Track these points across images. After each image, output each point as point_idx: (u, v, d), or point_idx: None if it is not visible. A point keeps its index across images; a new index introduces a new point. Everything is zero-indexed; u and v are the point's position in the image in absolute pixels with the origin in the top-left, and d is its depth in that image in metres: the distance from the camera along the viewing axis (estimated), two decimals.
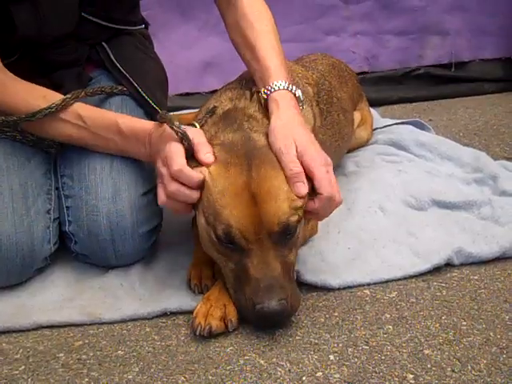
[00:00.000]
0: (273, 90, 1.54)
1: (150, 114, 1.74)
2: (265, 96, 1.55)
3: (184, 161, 1.37)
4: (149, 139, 1.51)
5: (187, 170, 1.35)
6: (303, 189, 1.37)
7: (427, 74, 3.30)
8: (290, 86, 1.56)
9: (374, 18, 3.19)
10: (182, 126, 1.41)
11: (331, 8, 3.14)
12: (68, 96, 1.57)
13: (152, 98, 1.76)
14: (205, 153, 1.38)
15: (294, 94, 1.56)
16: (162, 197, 1.41)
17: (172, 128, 1.40)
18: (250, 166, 1.35)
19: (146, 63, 1.89)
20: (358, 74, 3.03)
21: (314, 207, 1.41)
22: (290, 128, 1.45)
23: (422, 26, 3.22)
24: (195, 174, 1.36)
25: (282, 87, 1.54)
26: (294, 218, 1.34)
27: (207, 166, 1.37)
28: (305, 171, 1.39)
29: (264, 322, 1.32)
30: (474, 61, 3.29)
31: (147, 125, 1.54)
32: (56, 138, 1.63)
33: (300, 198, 1.36)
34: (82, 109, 1.58)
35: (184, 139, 1.39)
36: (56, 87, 1.65)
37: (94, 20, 1.78)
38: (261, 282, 1.29)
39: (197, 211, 1.42)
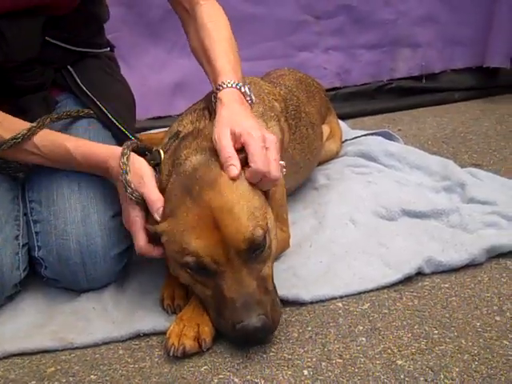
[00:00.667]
0: (220, 89, 1.56)
1: (117, 137, 1.75)
2: (213, 99, 1.58)
3: (143, 239, 1.45)
4: (107, 170, 1.52)
5: (146, 249, 1.45)
6: (235, 170, 1.36)
7: (399, 87, 3.33)
8: (235, 83, 1.57)
9: (346, 32, 3.20)
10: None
11: (302, 24, 3.14)
12: (33, 125, 1.56)
13: (119, 121, 1.76)
14: (155, 210, 1.41)
15: (240, 90, 1.57)
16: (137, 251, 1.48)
17: (128, 194, 1.44)
18: (193, 196, 1.34)
19: (113, 86, 1.89)
20: (330, 89, 3.13)
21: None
22: (227, 121, 1.45)
23: (393, 39, 3.24)
24: (153, 251, 1.46)
25: (228, 85, 1.56)
26: (259, 232, 1.32)
27: (162, 221, 1.39)
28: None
29: (247, 340, 1.32)
30: (445, 71, 3.32)
31: (102, 155, 1.53)
32: (18, 161, 1.63)
33: (233, 179, 1.35)
34: (37, 137, 1.56)
35: (140, 203, 1.44)
36: (22, 112, 1.65)
37: (58, 44, 1.78)
38: (236, 301, 1.29)
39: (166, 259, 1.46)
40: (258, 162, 1.37)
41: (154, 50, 2.84)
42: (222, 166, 1.38)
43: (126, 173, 1.45)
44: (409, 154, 2.31)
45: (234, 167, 1.37)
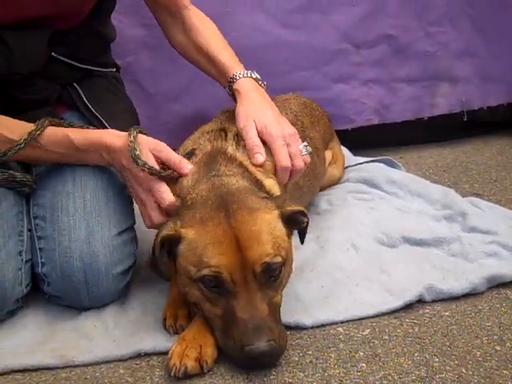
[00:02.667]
0: (233, 80, 1.76)
1: None
2: (229, 91, 1.78)
3: (172, 197, 1.50)
4: (108, 150, 1.56)
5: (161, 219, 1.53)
6: (260, 158, 1.58)
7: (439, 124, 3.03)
8: (246, 72, 1.77)
9: (387, 64, 2.89)
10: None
11: (341, 53, 2.80)
12: (33, 129, 1.57)
13: None
14: (181, 164, 1.54)
15: (252, 77, 1.77)
16: (150, 222, 1.56)
17: (140, 167, 1.50)
18: (227, 215, 1.38)
19: (119, 105, 1.91)
20: (366, 127, 2.91)
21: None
22: (251, 110, 1.68)
23: (434, 73, 2.96)
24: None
25: (241, 76, 1.76)
26: (277, 260, 1.37)
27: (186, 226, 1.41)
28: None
29: (253, 364, 1.32)
30: (482, 108, 3.05)
31: (98, 133, 1.62)
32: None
33: (257, 166, 1.57)
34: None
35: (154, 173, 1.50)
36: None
37: (64, 60, 1.80)
38: (248, 323, 1.30)
39: (177, 273, 1.45)
40: (282, 160, 1.61)
41: (174, 75, 2.55)
42: (248, 154, 1.59)
43: (135, 148, 1.50)
44: (410, 181, 2.33)
45: (260, 155, 1.58)
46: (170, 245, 1.41)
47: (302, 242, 1.58)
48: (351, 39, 2.80)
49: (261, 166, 1.56)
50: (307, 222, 1.53)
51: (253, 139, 1.61)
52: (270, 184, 1.60)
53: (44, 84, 1.77)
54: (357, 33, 2.79)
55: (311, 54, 2.74)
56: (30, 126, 1.58)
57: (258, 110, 1.68)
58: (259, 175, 1.59)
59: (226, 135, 1.67)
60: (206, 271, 1.34)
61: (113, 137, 1.57)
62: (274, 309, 1.38)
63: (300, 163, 1.64)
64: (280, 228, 1.44)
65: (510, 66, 3.03)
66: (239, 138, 1.66)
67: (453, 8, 2.91)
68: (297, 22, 2.70)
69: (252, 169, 1.59)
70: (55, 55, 1.77)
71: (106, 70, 2.00)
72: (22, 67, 1.69)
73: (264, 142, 1.62)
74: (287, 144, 1.63)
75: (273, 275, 1.37)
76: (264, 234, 1.38)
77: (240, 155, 1.61)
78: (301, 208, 1.50)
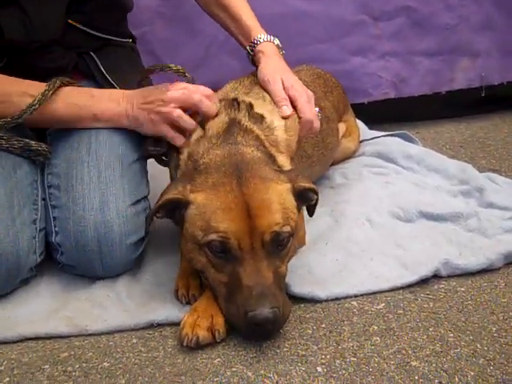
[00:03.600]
0: (257, 43, 1.85)
1: None
2: (251, 51, 1.87)
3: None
4: (123, 96, 1.64)
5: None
6: (288, 110, 1.70)
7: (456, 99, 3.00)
8: (269, 36, 1.86)
9: (405, 36, 2.86)
10: None
11: (359, 25, 2.79)
12: (46, 89, 1.58)
13: None
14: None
15: (274, 43, 1.87)
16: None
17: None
18: (239, 182, 1.37)
19: (135, 75, 1.89)
20: (381, 101, 2.89)
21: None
22: (277, 69, 1.79)
23: (453, 47, 2.92)
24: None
25: (263, 39, 1.86)
26: (287, 229, 1.37)
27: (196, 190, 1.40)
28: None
29: (255, 331, 1.31)
30: (502, 84, 3.01)
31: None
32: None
33: (285, 118, 1.67)
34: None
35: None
36: None
37: (81, 28, 1.80)
38: (253, 289, 1.30)
39: (182, 238, 1.45)
40: (307, 113, 1.73)
41: (189, 45, 2.53)
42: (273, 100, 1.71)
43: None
44: (427, 156, 2.30)
45: (287, 107, 1.70)
46: (173, 208, 1.41)
47: (311, 214, 1.59)
48: (369, 11, 2.77)
49: (288, 117, 1.68)
50: (317, 200, 1.54)
51: (280, 91, 1.72)
52: (283, 160, 1.60)
53: (61, 52, 1.77)
54: (375, 4, 2.77)
55: (329, 26, 2.73)
56: (43, 86, 1.58)
57: (283, 71, 1.80)
58: (273, 150, 1.59)
59: (239, 105, 1.66)
60: (213, 236, 1.33)
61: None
62: (279, 278, 1.37)
63: (318, 123, 1.78)
64: (290, 200, 1.43)
65: None
66: (252, 111, 1.65)
67: None
68: None
69: (267, 143, 1.59)
70: (72, 22, 1.77)
71: (123, 40, 1.99)
72: (41, 35, 1.68)
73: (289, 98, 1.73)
74: (308, 102, 1.76)
75: (280, 244, 1.37)
76: (275, 203, 1.37)
77: (256, 128, 1.59)
78: (312, 186, 1.50)
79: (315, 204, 1.55)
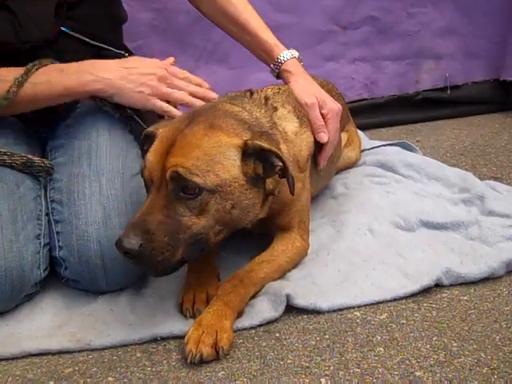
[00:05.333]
0: (282, 62, 1.92)
1: (135, 131, 1.78)
2: (276, 69, 1.93)
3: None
4: (99, 63, 1.69)
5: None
6: (325, 137, 1.81)
7: (424, 100, 3.25)
8: (290, 52, 1.94)
9: (371, 43, 3.15)
10: None
11: (329, 34, 3.08)
12: (22, 73, 1.60)
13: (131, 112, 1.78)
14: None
15: (295, 57, 1.94)
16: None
17: None
18: (188, 123, 1.42)
19: None
20: (357, 101, 3.14)
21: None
22: (309, 87, 1.88)
23: (417, 51, 3.20)
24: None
25: (287, 58, 1.92)
26: (196, 179, 1.33)
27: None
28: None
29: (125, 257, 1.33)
30: (467, 84, 3.27)
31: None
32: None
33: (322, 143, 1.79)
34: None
35: None
36: None
37: (74, 35, 1.80)
38: (132, 219, 1.34)
39: None
40: (330, 136, 1.84)
41: (182, 56, 2.67)
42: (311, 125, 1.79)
43: None
44: (427, 165, 2.31)
45: (325, 134, 1.81)
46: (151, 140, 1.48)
47: (291, 192, 1.46)
48: (337, 21, 3.06)
49: (325, 143, 1.81)
50: (282, 168, 1.43)
51: (318, 119, 1.81)
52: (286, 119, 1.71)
53: (54, 58, 1.75)
54: (342, 15, 3.06)
55: (303, 35, 2.98)
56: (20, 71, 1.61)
57: (314, 88, 1.89)
58: (279, 119, 1.69)
59: (252, 95, 1.72)
60: (142, 165, 1.41)
61: None
62: (178, 227, 1.34)
63: (336, 138, 1.91)
64: (230, 157, 1.39)
65: (492, 43, 3.21)
66: (266, 101, 1.71)
67: None
68: (289, 7, 2.95)
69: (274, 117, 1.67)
70: (65, 29, 1.77)
71: (117, 51, 1.96)
72: (30, 35, 1.69)
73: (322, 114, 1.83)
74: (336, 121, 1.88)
75: (186, 192, 1.34)
76: (198, 149, 1.36)
77: (258, 109, 1.64)
78: (271, 147, 1.40)
79: (285, 173, 1.44)
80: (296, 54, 1.94)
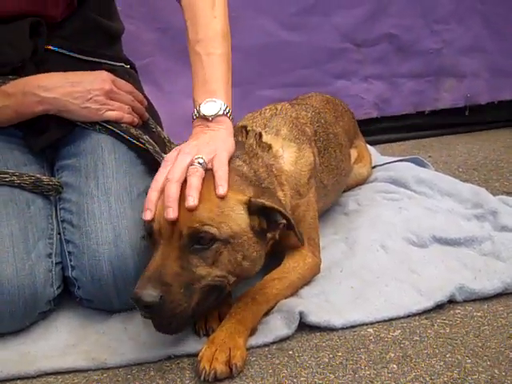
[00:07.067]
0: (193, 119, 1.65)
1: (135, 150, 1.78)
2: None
3: None
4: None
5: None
6: (222, 190, 1.40)
7: (440, 121, 3.22)
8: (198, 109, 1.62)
9: (388, 61, 3.10)
10: None
11: (342, 51, 3.04)
12: None
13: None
14: None
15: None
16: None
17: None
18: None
19: None
20: (366, 120, 3.08)
21: None
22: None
23: (438, 69, 3.15)
24: None
25: (195, 117, 1.63)
26: (210, 230, 1.35)
27: None
28: None
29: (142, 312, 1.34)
30: (493, 103, 3.22)
31: None
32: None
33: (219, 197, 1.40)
34: None
35: None
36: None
37: (65, 53, 1.79)
38: (146, 271, 1.33)
39: None
40: None
41: (187, 74, 2.79)
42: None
43: None
44: (440, 180, 2.31)
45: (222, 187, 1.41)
46: None
47: (300, 240, 1.49)
48: (351, 39, 3.02)
49: (222, 197, 1.40)
50: (286, 224, 1.46)
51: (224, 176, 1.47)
52: (280, 194, 1.62)
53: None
54: (358, 33, 3.02)
55: (312, 53, 2.96)
56: None
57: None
58: (275, 158, 1.67)
59: (247, 133, 1.70)
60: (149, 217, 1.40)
61: None
62: (191, 278, 1.35)
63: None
64: (238, 212, 1.41)
65: None
66: (260, 139, 1.69)
67: (461, 5, 3.06)
68: (299, 24, 2.92)
69: (274, 169, 1.64)
70: (53, 48, 1.76)
71: (115, 63, 1.94)
72: (8, 57, 1.68)
73: None
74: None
75: (200, 243, 1.36)
76: (210, 203, 1.37)
77: (258, 151, 1.64)
78: (273, 205, 1.42)
79: (291, 228, 1.46)
80: (208, 110, 1.60)
